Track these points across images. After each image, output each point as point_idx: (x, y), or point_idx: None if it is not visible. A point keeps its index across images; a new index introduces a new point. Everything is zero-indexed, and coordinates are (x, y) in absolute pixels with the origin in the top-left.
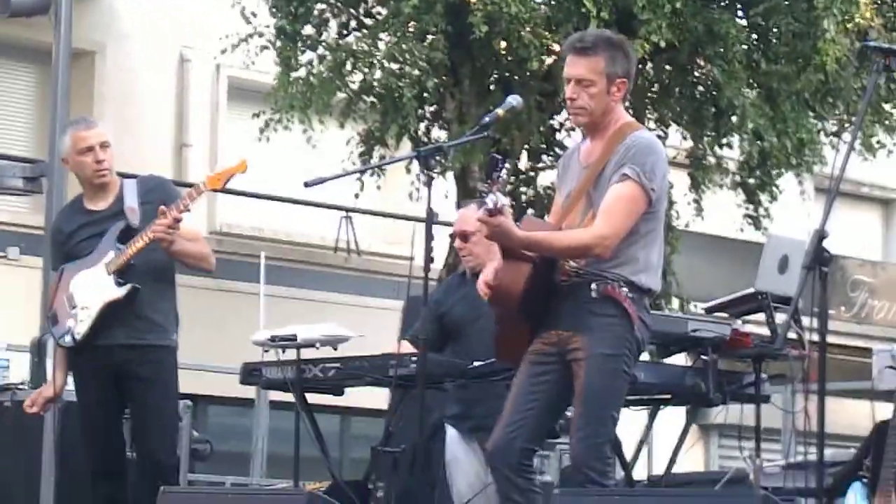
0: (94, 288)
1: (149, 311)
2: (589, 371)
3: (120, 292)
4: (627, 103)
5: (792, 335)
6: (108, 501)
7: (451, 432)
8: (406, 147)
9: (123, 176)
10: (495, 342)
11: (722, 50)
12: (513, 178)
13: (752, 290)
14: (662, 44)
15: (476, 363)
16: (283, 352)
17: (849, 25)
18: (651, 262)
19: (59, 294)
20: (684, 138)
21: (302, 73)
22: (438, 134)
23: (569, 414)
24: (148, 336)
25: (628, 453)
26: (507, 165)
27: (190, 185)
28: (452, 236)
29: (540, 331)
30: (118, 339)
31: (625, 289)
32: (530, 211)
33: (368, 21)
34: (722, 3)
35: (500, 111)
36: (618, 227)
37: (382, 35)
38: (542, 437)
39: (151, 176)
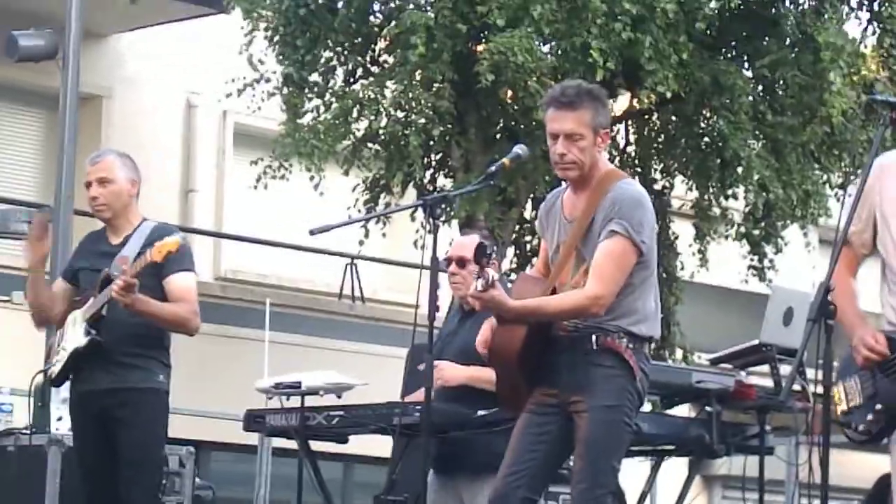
0: (72, 331)
1: (130, 355)
2: (590, 423)
3: (82, 342)
4: (634, 153)
5: (796, 387)
6: None
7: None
8: (411, 195)
9: None
10: (498, 395)
11: (728, 101)
12: (517, 227)
13: (756, 341)
14: (669, 94)
15: (480, 412)
16: (287, 399)
17: (855, 78)
18: (649, 311)
19: (64, 323)
20: (689, 189)
21: (308, 119)
22: (444, 182)
23: (570, 463)
24: (128, 379)
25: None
26: (495, 250)
27: (195, 231)
28: (448, 261)
29: (539, 383)
30: (100, 384)
31: (624, 340)
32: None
33: (375, 69)
34: (728, 55)
35: (505, 160)
36: (611, 285)
37: (389, 83)
38: (544, 488)
39: (164, 226)
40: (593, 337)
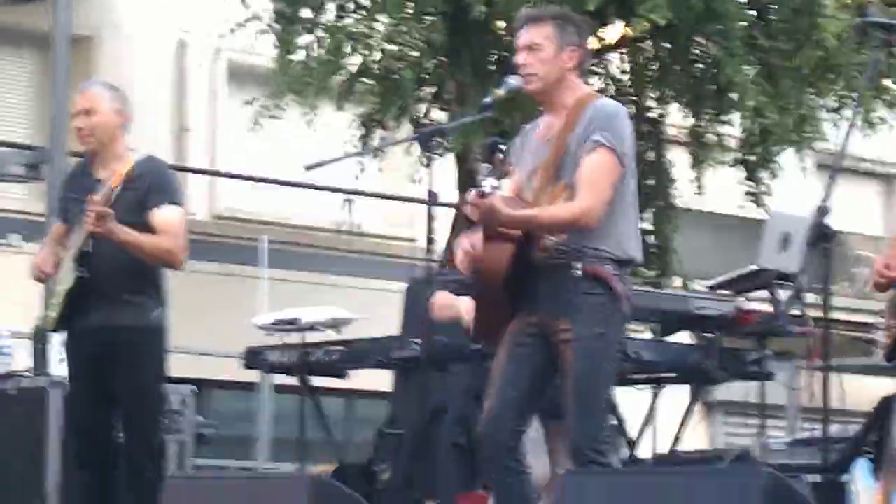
0: (64, 273)
1: (121, 291)
2: (579, 354)
3: (71, 281)
4: (628, 82)
5: (795, 312)
6: (90, 489)
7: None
8: (406, 129)
9: None
10: (474, 323)
11: (721, 28)
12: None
13: (754, 267)
14: (662, 22)
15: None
16: (287, 335)
17: (848, 1)
18: (631, 231)
19: (62, 258)
20: (685, 117)
21: (300, 56)
22: (438, 115)
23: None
24: (121, 317)
25: (633, 432)
26: (503, 147)
27: (190, 170)
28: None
29: (521, 310)
30: (94, 322)
31: (609, 265)
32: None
33: (366, 2)
34: None
35: (500, 91)
36: (601, 197)
37: (380, 17)
38: (530, 418)
39: (150, 159)
40: (577, 263)
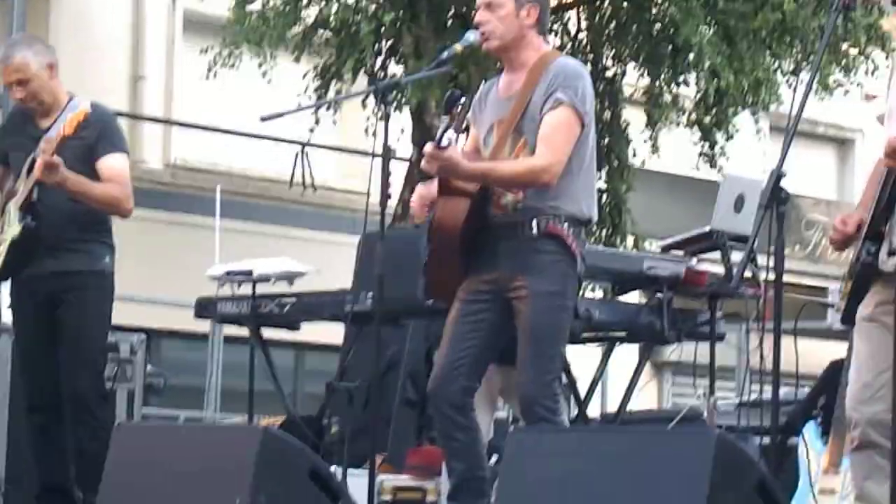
0: (9, 222)
1: (71, 239)
2: (534, 310)
3: (17, 231)
4: (585, 40)
5: (747, 274)
6: (41, 432)
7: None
8: (362, 82)
9: None
10: (426, 278)
11: None
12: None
13: (707, 228)
14: None
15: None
16: (239, 286)
17: None
18: (589, 191)
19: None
20: (641, 76)
21: (257, 5)
22: (395, 69)
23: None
24: (72, 263)
25: (583, 391)
26: (463, 100)
27: (145, 119)
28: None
29: (475, 269)
30: (42, 269)
31: (565, 224)
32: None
33: None
34: None
35: (457, 47)
36: (561, 154)
37: None
38: (481, 375)
39: (97, 108)
40: (534, 222)
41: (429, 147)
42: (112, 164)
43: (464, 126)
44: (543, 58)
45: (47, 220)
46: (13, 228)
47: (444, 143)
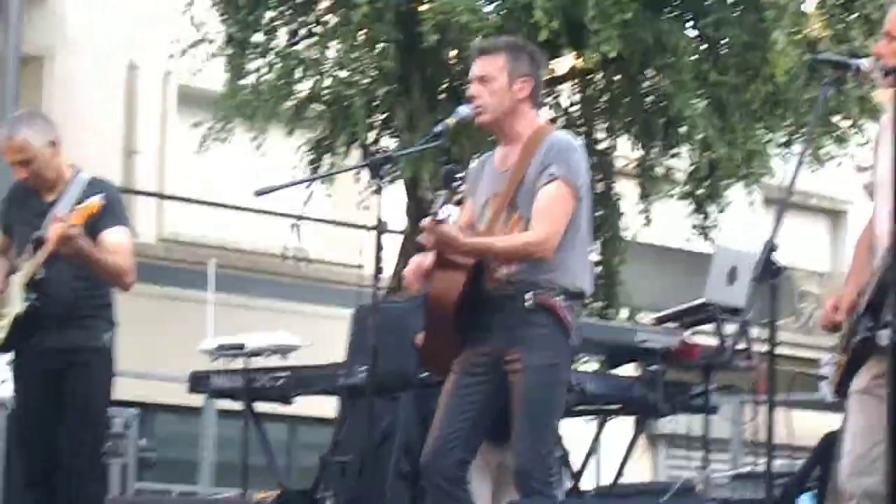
0: (12, 296)
1: (74, 315)
2: (528, 383)
3: (21, 308)
4: (578, 113)
5: (741, 346)
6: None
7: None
8: (355, 155)
9: None
10: (421, 350)
11: (672, 60)
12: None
13: (701, 300)
14: (613, 54)
15: (424, 373)
16: (232, 360)
17: (798, 37)
18: (583, 263)
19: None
20: (634, 149)
21: (251, 80)
22: (388, 143)
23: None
24: (73, 339)
25: (577, 463)
26: (461, 174)
27: (138, 193)
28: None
29: (470, 342)
30: (45, 344)
31: (560, 297)
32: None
33: (318, 29)
34: (672, 15)
35: (450, 120)
36: (557, 227)
37: (332, 43)
38: (476, 448)
39: (100, 182)
40: (528, 295)
41: (426, 220)
42: (112, 239)
43: (459, 200)
44: (538, 132)
45: (52, 298)
46: (17, 306)
47: (442, 216)
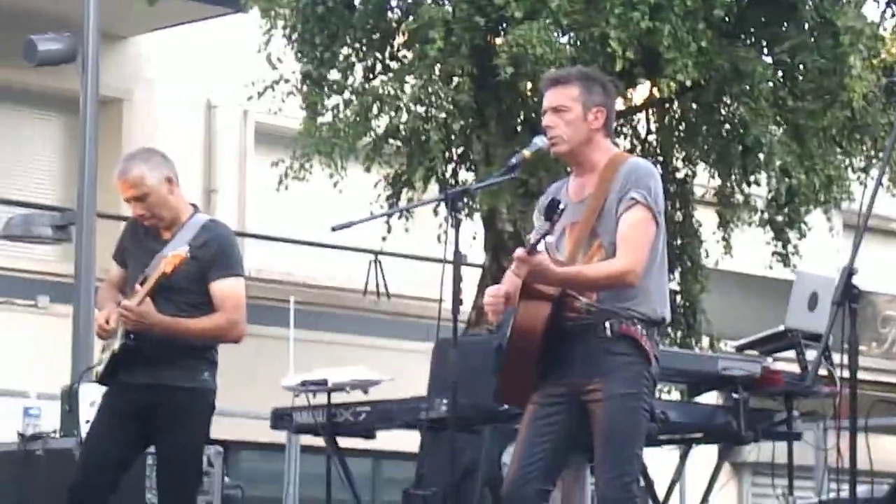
0: (118, 333)
1: (171, 355)
2: (610, 412)
3: (117, 345)
4: (655, 142)
5: (822, 372)
6: None
7: None
8: (433, 189)
9: None
10: (500, 382)
11: (748, 87)
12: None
13: (781, 327)
14: (688, 82)
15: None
16: (314, 396)
17: (875, 61)
18: (662, 291)
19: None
20: (712, 177)
21: (328, 117)
22: (465, 176)
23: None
24: (170, 377)
25: (661, 493)
26: (562, 207)
27: None
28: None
29: (549, 373)
30: (140, 379)
31: (639, 326)
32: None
33: (394, 64)
34: (747, 42)
35: (526, 152)
36: (642, 253)
37: (408, 78)
38: (556, 478)
39: (214, 225)
40: (607, 324)
41: (520, 251)
42: (218, 290)
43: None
44: (614, 159)
45: (148, 338)
46: (117, 342)
47: (541, 248)
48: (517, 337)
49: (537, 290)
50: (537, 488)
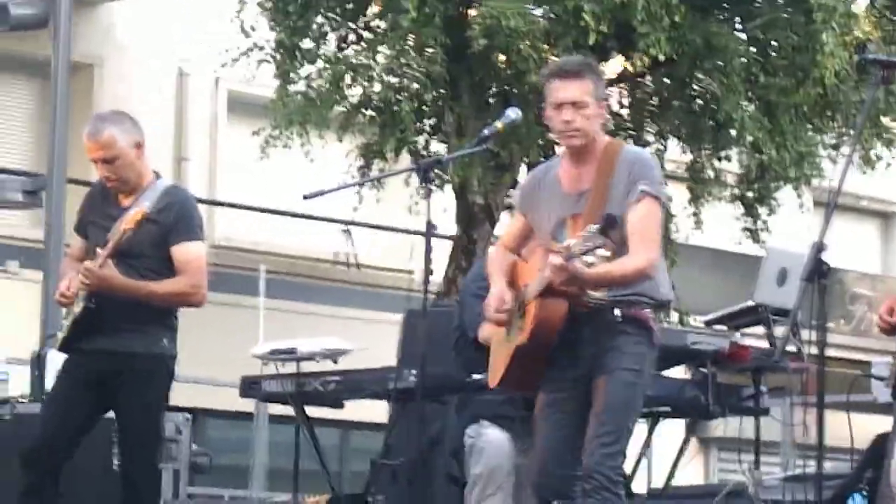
0: (78, 298)
1: (131, 321)
2: (613, 385)
3: (78, 309)
4: (627, 117)
5: (791, 348)
6: (31, 491)
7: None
8: (405, 160)
9: None
10: (505, 373)
11: (721, 63)
12: (511, 191)
13: (751, 302)
14: (661, 57)
15: (475, 376)
16: (283, 365)
17: (847, 38)
18: (665, 273)
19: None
20: (683, 152)
21: (301, 86)
22: (437, 147)
23: None
24: (132, 343)
25: (628, 466)
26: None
27: None
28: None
29: (558, 360)
30: (100, 346)
31: (647, 309)
32: None
33: (367, 35)
34: (721, 17)
35: (498, 124)
36: (657, 245)
37: (381, 48)
38: (578, 460)
39: (175, 190)
40: (615, 310)
41: (558, 259)
42: (179, 254)
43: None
44: (608, 148)
45: (109, 301)
46: (78, 306)
47: (591, 260)
48: (537, 331)
49: (559, 287)
50: (562, 474)
